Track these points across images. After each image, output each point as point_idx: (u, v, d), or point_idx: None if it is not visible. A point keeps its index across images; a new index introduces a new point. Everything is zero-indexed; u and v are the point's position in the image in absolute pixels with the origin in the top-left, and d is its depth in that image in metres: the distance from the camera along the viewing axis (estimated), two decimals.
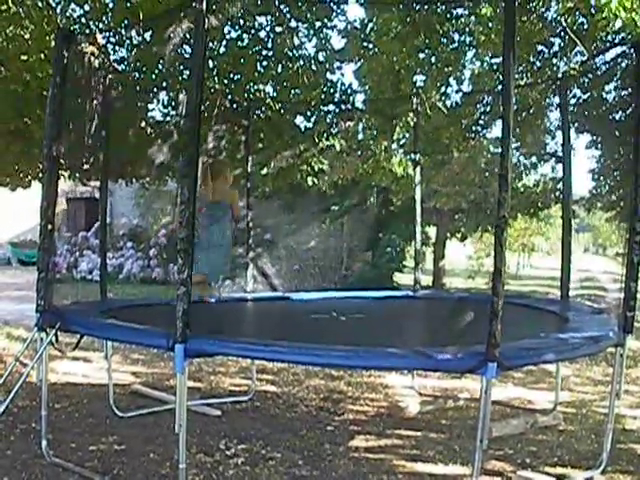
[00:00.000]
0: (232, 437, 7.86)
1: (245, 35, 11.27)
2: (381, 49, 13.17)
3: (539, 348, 5.71)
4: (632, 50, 6.85)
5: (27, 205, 28.20)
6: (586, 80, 16.15)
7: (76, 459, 6.90)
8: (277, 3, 11.05)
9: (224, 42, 11.15)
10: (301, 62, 11.66)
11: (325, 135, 13.43)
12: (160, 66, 10.50)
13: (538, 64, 13.83)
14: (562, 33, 12.86)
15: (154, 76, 10.77)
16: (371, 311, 9.53)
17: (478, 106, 16.71)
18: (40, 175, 11.21)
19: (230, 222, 9.87)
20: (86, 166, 10.37)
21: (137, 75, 10.70)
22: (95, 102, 7.94)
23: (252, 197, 10.73)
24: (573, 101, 16.92)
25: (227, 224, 9.82)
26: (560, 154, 12.71)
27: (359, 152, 17.62)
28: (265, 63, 11.48)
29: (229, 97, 11.20)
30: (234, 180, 10.50)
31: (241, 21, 11.07)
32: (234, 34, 11.24)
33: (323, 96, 12.19)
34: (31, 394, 8.69)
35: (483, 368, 4.96)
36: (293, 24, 11.48)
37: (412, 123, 11.46)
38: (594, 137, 21.37)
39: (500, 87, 5.23)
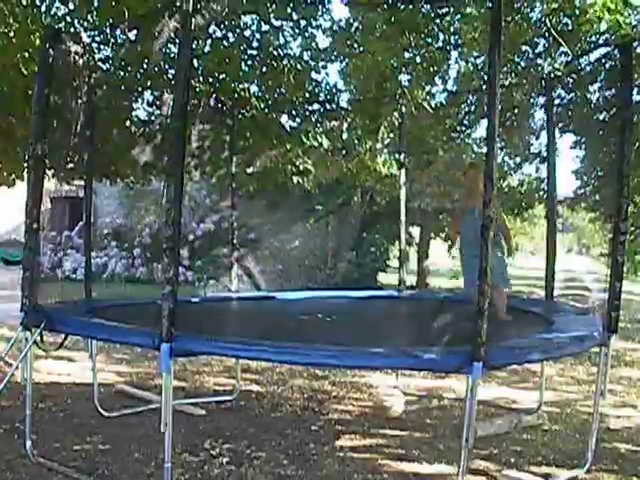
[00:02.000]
0: (217, 436, 7.86)
1: (230, 34, 11.27)
2: (366, 48, 13.17)
3: (524, 348, 5.74)
4: (616, 51, 6.88)
5: (11, 204, 28.11)
6: (570, 81, 16.19)
7: (60, 459, 6.89)
8: (262, 2, 11.05)
9: (209, 41, 11.14)
10: (286, 61, 11.67)
11: (310, 134, 13.43)
12: (145, 65, 10.49)
13: (523, 64, 13.85)
14: (547, 34, 12.87)
15: (139, 75, 10.76)
16: (355, 311, 9.54)
17: (463, 106, 16.72)
18: (24, 174, 11.19)
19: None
20: (71, 165, 10.35)
21: (122, 74, 10.68)
22: (80, 101, 7.92)
23: (236, 196, 10.72)
24: (557, 101, 16.96)
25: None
26: (544, 154, 12.73)
27: (344, 152, 17.60)
28: (250, 62, 11.49)
29: (214, 96, 11.19)
30: None
31: (226, 20, 11.06)
32: (219, 33, 11.24)
33: (308, 95, 12.20)
34: (15, 394, 8.65)
35: (469, 368, 4.97)
36: (278, 23, 11.48)
37: (397, 123, 11.46)
38: (578, 137, 21.40)
39: (485, 87, 5.24)
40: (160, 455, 5.91)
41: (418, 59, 13.11)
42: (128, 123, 11.68)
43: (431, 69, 13.32)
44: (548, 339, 6.24)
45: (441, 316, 8.04)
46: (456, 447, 5.75)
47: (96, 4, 9.73)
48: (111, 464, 6.82)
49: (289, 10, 11.34)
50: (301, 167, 15.23)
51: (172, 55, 10.25)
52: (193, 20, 5.48)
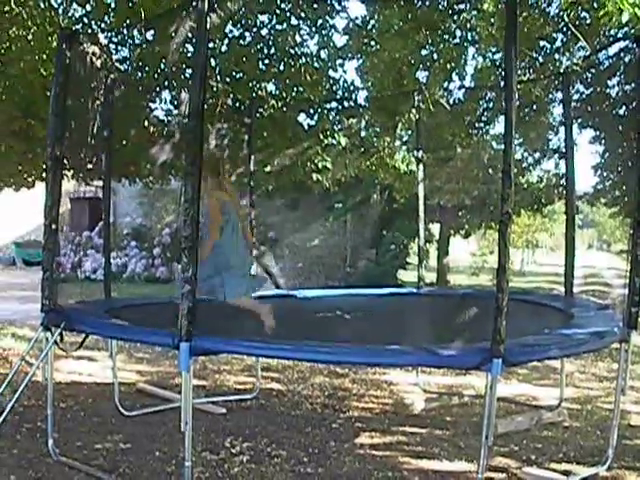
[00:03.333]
0: (237, 435, 7.87)
1: (247, 33, 11.28)
2: (383, 46, 13.16)
3: (544, 344, 5.72)
4: (635, 45, 6.85)
5: (31, 205, 28.20)
6: (589, 75, 16.15)
7: (82, 458, 6.91)
8: (278, 1, 11.06)
9: (226, 41, 11.15)
10: (303, 60, 11.67)
11: (328, 132, 13.43)
12: (162, 65, 10.51)
13: (540, 59, 13.81)
14: (564, 28, 12.84)
15: (156, 75, 10.78)
16: (375, 308, 9.53)
17: (481, 102, 16.70)
18: (44, 175, 11.23)
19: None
20: (89, 166, 10.39)
21: (139, 74, 10.71)
22: (98, 102, 7.95)
23: (255, 195, 10.74)
24: (576, 96, 16.92)
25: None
26: (563, 150, 12.72)
27: (362, 149, 17.59)
28: (267, 61, 11.49)
29: (232, 95, 11.20)
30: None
31: (243, 19, 11.07)
32: (236, 32, 11.25)
33: (325, 93, 12.20)
34: (37, 393, 8.70)
35: (488, 364, 4.96)
36: (295, 22, 11.48)
37: (415, 120, 11.44)
38: (597, 132, 21.36)
39: (502, 83, 5.23)
40: (180, 454, 5.93)
41: (435, 56, 13.10)
42: (146, 123, 11.70)
43: (448, 66, 13.31)
44: (567, 335, 6.22)
45: (461, 313, 8.03)
46: (476, 444, 5.74)
47: (112, 5, 9.76)
48: (132, 462, 6.84)
49: (305, 8, 11.33)
50: (319, 165, 15.24)
51: (189, 54, 10.26)
52: (209, 19, 5.49)
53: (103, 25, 9.90)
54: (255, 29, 11.31)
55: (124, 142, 10.81)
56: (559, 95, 14.86)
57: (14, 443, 7.24)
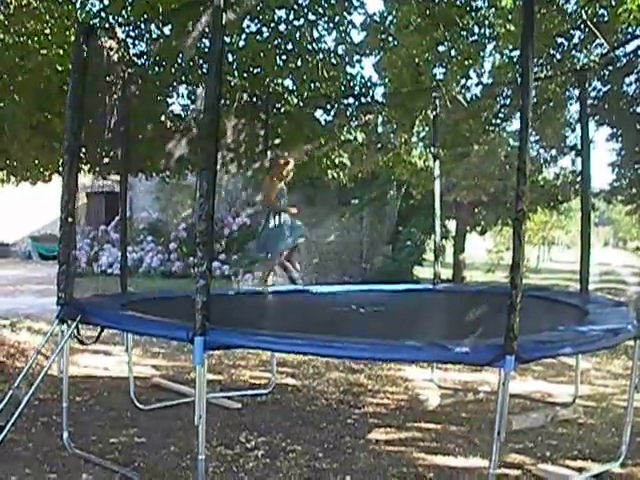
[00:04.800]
0: (252, 430, 7.89)
1: (264, 29, 11.27)
2: (400, 42, 13.15)
3: (557, 341, 5.70)
4: None
5: (47, 199, 28.31)
6: (606, 72, 16.09)
7: (97, 451, 6.95)
8: None
9: (243, 36, 11.15)
10: (320, 56, 11.65)
11: (345, 128, 13.42)
12: (179, 60, 10.52)
13: (558, 56, 13.78)
14: (582, 25, 12.81)
15: (173, 70, 10.79)
16: (391, 304, 9.53)
17: (498, 99, 16.67)
18: (60, 169, 11.25)
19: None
20: (106, 160, 10.42)
21: (156, 69, 10.72)
22: (115, 96, 7.97)
23: None
24: (593, 94, 16.87)
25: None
26: (579, 147, 12.64)
27: (379, 145, 17.57)
28: (284, 57, 11.48)
29: (248, 91, 11.21)
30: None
31: (260, 15, 11.07)
32: (253, 28, 11.25)
33: (343, 89, 12.18)
34: (52, 387, 8.75)
35: (501, 361, 4.96)
36: (312, 17, 11.47)
37: (432, 116, 11.44)
38: (614, 130, 21.28)
39: (520, 80, 5.22)
40: (196, 448, 5.94)
41: (452, 52, 13.08)
42: (163, 118, 11.71)
43: (466, 62, 13.29)
44: (581, 332, 6.21)
45: (476, 309, 8.02)
46: (491, 440, 5.73)
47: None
48: (147, 457, 6.87)
49: (323, 3, 11.30)
50: (336, 161, 15.23)
51: (206, 49, 10.27)
52: (224, 15, 5.50)
53: (120, 19, 9.90)
54: (272, 24, 11.29)
55: (140, 136, 10.81)
56: (576, 92, 14.81)
57: (30, 436, 7.29)
